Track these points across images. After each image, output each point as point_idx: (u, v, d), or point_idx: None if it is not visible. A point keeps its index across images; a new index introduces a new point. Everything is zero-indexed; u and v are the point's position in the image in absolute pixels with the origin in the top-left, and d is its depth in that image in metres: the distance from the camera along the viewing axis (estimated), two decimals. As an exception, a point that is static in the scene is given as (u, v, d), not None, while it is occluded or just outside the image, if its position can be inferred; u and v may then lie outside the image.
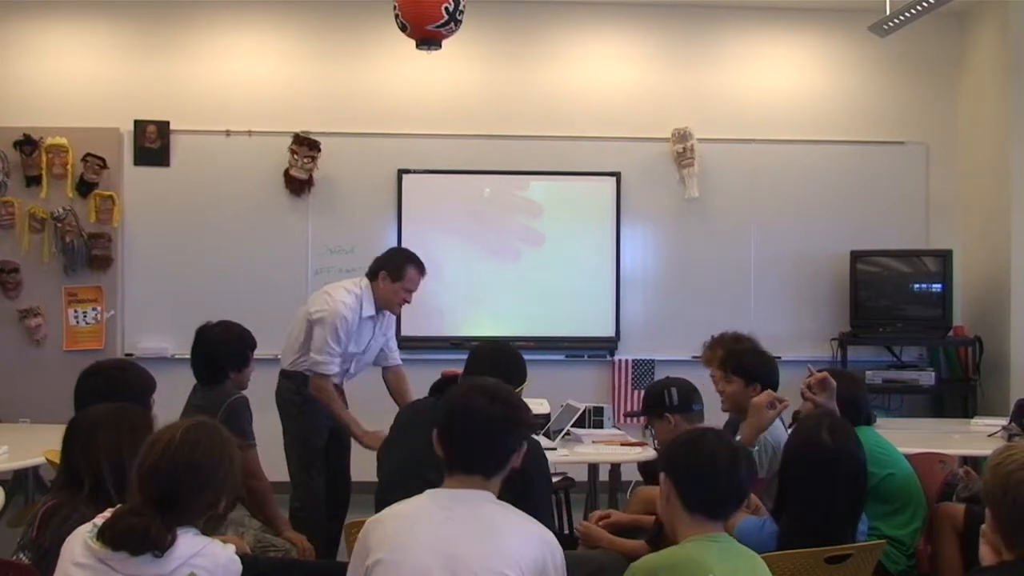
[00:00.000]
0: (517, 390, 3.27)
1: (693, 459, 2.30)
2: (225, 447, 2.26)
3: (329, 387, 4.51)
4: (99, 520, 2.19)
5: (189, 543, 2.19)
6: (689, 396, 3.76)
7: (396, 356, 4.84)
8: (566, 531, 4.75)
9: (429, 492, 2.25)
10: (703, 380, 4.08)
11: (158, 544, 2.12)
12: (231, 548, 2.27)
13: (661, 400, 3.75)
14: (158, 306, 6.40)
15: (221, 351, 3.91)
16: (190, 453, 2.20)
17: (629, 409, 6.60)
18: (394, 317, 4.86)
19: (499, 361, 3.32)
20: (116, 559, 2.12)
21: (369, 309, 4.55)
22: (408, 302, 4.64)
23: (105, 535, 2.13)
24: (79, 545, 2.16)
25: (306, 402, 4.63)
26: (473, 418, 2.26)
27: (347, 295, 4.52)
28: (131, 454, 2.31)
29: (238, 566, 2.25)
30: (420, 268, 4.61)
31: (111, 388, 2.95)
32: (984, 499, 2.06)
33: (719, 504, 2.27)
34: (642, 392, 6.41)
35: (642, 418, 3.95)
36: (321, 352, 4.46)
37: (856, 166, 6.85)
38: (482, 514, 2.18)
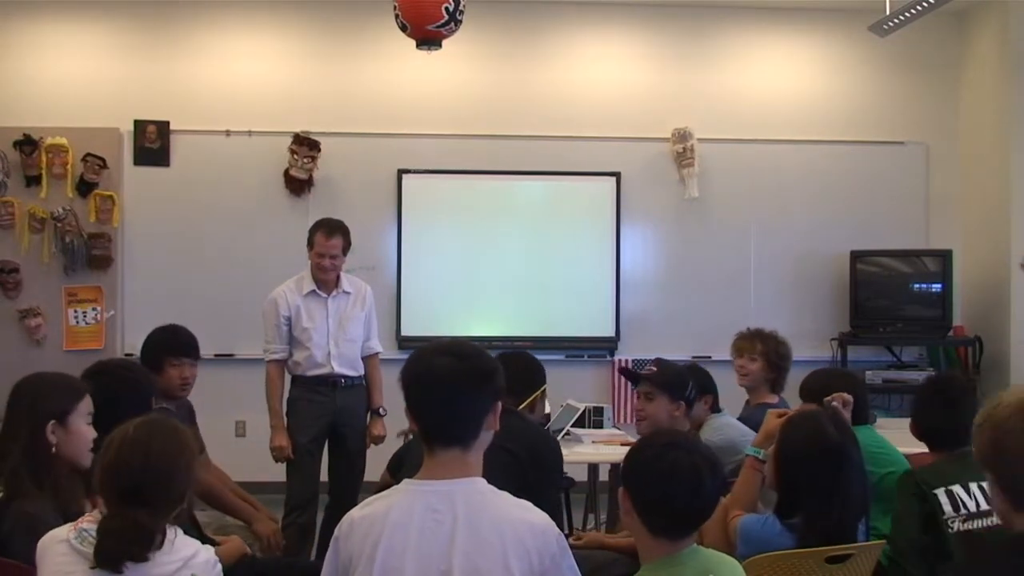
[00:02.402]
0: (535, 395, 3.33)
1: (654, 483, 2.12)
2: (180, 439, 2.27)
3: (273, 375, 4.73)
4: (87, 524, 2.15)
5: (186, 544, 2.20)
6: (700, 399, 3.76)
7: (372, 345, 4.90)
8: (566, 531, 4.75)
9: (413, 486, 2.09)
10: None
11: (152, 541, 2.12)
12: (211, 549, 2.29)
13: (683, 386, 3.61)
14: (158, 306, 6.37)
15: (143, 355, 3.81)
16: (146, 447, 2.20)
17: (629, 411, 6.60)
18: (372, 302, 4.90)
19: (518, 366, 3.32)
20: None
21: (309, 286, 4.72)
22: (327, 267, 4.68)
23: (102, 556, 2.11)
24: (62, 555, 2.13)
25: (291, 401, 4.77)
26: (435, 379, 2.08)
27: (286, 282, 4.77)
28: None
29: (219, 567, 2.28)
30: (327, 231, 4.69)
31: (118, 388, 2.95)
32: (982, 464, 1.91)
33: (680, 528, 2.14)
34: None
35: (640, 387, 3.74)
36: (264, 340, 4.75)
37: (856, 166, 6.85)
38: (471, 513, 2.02)
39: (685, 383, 3.61)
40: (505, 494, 2.10)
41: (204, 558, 2.23)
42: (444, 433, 2.09)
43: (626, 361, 6.67)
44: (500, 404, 2.14)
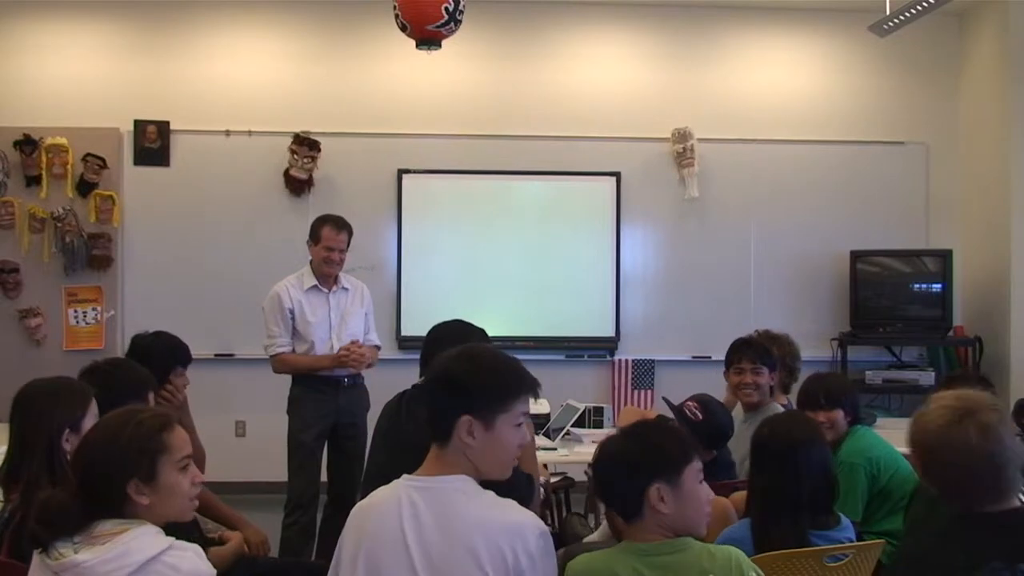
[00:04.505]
0: None
1: (599, 466, 2.31)
2: (125, 428, 2.09)
3: (284, 358, 4.71)
4: None
5: (144, 546, 1.99)
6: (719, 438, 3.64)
7: (371, 338, 4.93)
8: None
9: (403, 481, 2.14)
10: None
11: (60, 524, 1.99)
12: (193, 556, 2.05)
13: (722, 438, 3.57)
14: (158, 306, 6.39)
15: (142, 363, 3.67)
16: (91, 435, 2.15)
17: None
18: (370, 300, 4.94)
19: (452, 330, 3.30)
20: (66, 569, 1.96)
21: (310, 281, 4.75)
22: (335, 260, 4.72)
23: (33, 539, 2.01)
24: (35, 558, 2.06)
25: (293, 400, 4.77)
26: (431, 370, 2.20)
27: (286, 278, 4.78)
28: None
29: (204, 574, 2.07)
30: (336, 225, 4.72)
31: (107, 386, 2.95)
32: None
33: (622, 513, 2.23)
34: (644, 392, 6.50)
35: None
36: (265, 336, 4.74)
37: (856, 166, 6.85)
38: (444, 511, 2.05)
39: (725, 436, 3.54)
40: (489, 494, 2.11)
41: (171, 563, 2.00)
42: (428, 425, 2.16)
43: (627, 362, 6.68)
44: (469, 418, 2.09)
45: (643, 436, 2.27)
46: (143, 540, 2.00)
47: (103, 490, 2.04)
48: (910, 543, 2.07)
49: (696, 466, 2.23)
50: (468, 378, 2.12)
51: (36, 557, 2.04)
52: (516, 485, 2.81)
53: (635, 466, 2.20)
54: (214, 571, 2.10)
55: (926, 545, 2.03)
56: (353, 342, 4.68)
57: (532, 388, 2.17)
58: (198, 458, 3.52)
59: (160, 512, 2.09)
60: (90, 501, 2.04)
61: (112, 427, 2.12)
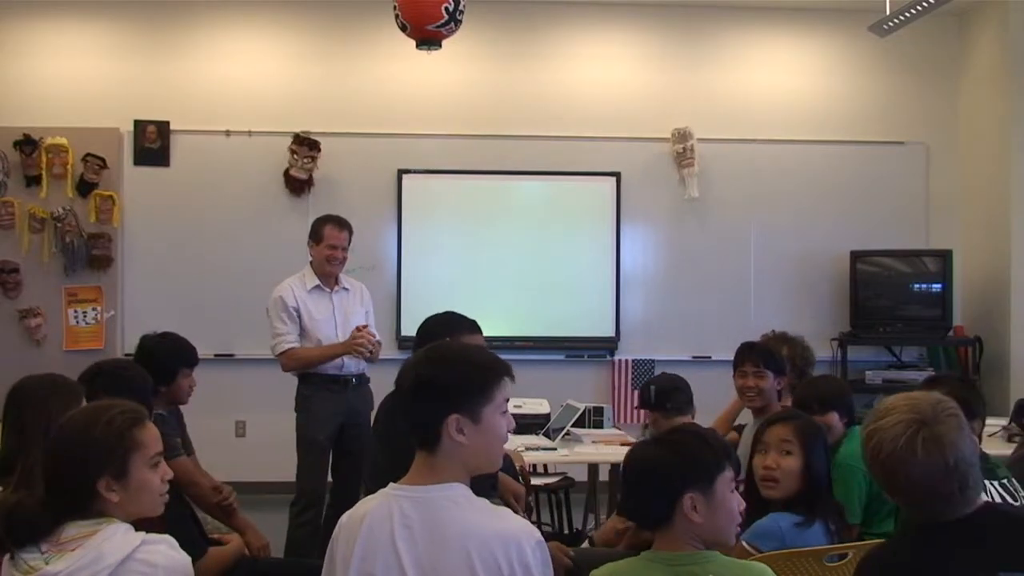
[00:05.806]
0: (468, 337, 3.28)
1: (628, 474, 2.28)
2: (96, 424, 2.05)
3: (295, 353, 4.68)
4: None
5: (116, 548, 1.96)
6: (666, 395, 3.80)
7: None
8: (566, 531, 4.77)
9: (392, 490, 2.08)
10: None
11: (29, 525, 1.96)
12: (166, 548, 2.03)
13: (646, 397, 3.88)
14: (158, 306, 6.39)
15: (148, 364, 3.70)
16: (62, 430, 2.11)
17: (629, 411, 6.63)
18: (370, 300, 4.95)
19: (443, 321, 3.34)
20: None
21: (312, 281, 4.76)
22: (337, 259, 4.74)
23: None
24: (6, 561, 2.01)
25: (304, 399, 4.74)
26: (401, 379, 2.12)
27: (288, 279, 4.79)
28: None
29: (181, 564, 2.04)
30: (337, 224, 4.74)
31: (114, 388, 2.95)
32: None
33: (652, 521, 2.21)
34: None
35: (642, 416, 4.04)
36: (271, 336, 4.71)
37: (856, 166, 6.85)
38: (437, 521, 2.01)
39: (644, 395, 3.88)
40: (482, 502, 2.08)
41: (145, 559, 1.97)
42: (413, 434, 2.09)
43: (627, 362, 6.67)
44: (457, 417, 2.04)
45: (677, 444, 2.25)
46: (114, 541, 1.97)
47: (72, 486, 2.01)
48: (887, 552, 2.05)
49: (728, 475, 2.20)
50: (445, 377, 2.07)
51: (6, 565, 1.99)
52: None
53: (669, 475, 2.18)
54: (188, 559, 2.08)
55: (900, 556, 2.00)
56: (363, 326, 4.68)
57: (508, 371, 2.13)
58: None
59: (129, 509, 2.06)
60: (58, 498, 2.01)
61: (83, 422, 2.08)
